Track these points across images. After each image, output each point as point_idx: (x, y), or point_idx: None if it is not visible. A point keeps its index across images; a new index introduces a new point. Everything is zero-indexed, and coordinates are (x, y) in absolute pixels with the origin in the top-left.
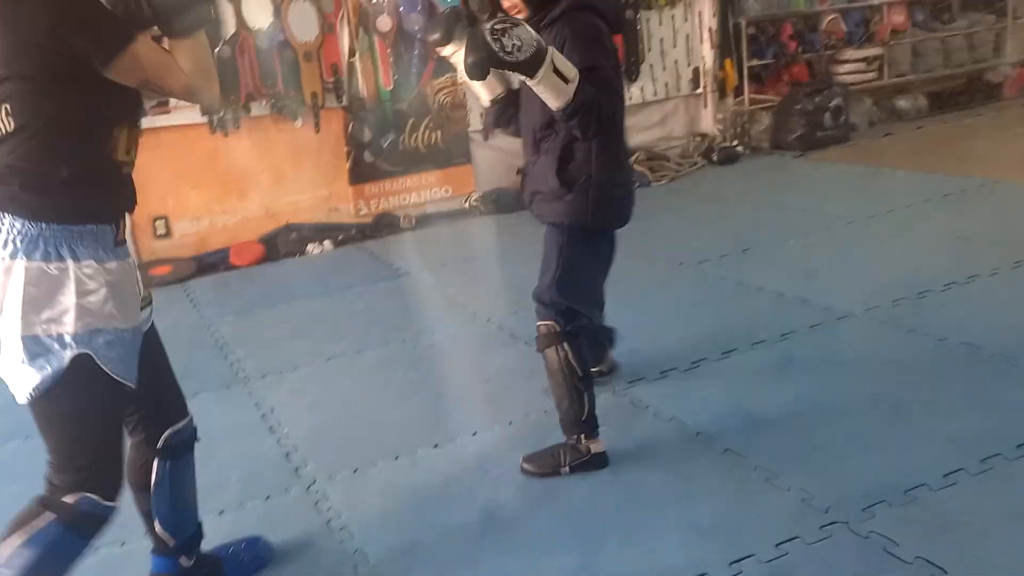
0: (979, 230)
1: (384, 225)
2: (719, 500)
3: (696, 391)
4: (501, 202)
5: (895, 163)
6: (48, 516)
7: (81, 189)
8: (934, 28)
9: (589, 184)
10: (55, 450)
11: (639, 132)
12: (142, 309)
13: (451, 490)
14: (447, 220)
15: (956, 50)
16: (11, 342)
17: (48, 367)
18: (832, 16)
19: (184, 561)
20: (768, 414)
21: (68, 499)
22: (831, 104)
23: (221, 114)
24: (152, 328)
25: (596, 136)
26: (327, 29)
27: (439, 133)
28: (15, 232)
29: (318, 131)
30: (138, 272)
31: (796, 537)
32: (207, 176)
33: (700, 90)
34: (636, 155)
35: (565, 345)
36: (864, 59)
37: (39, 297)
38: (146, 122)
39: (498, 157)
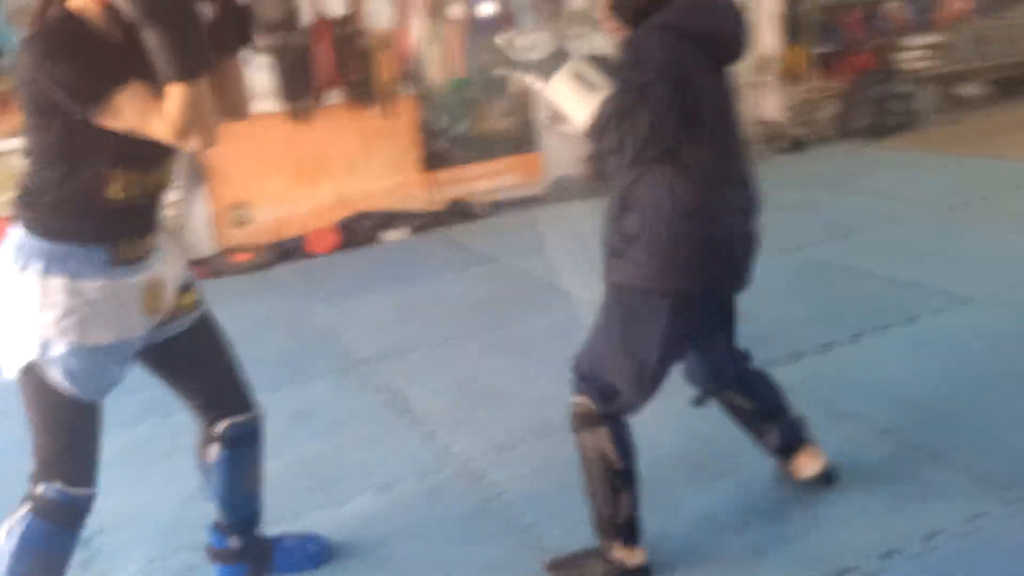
0: None
1: (458, 212)
2: (893, 480)
3: (836, 374)
4: (571, 189)
5: (971, 150)
6: (25, 507)
7: (61, 215)
8: (997, 15)
9: (651, 234)
10: (32, 439)
11: None
12: (177, 317)
13: None
14: (518, 207)
15: (1020, 37)
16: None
17: (10, 363)
18: (896, 3)
19: (234, 542)
20: (916, 395)
21: (38, 489)
22: (898, 91)
23: (299, 103)
24: (201, 326)
25: (636, 161)
26: (402, 17)
27: (510, 120)
28: (14, 239)
29: (391, 119)
30: (153, 288)
31: (984, 513)
32: (284, 163)
33: (765, 77)
34: None
35: (602, 431)
36: (927, 46)
37: (11, 302)
38: None
39: (567, 145)
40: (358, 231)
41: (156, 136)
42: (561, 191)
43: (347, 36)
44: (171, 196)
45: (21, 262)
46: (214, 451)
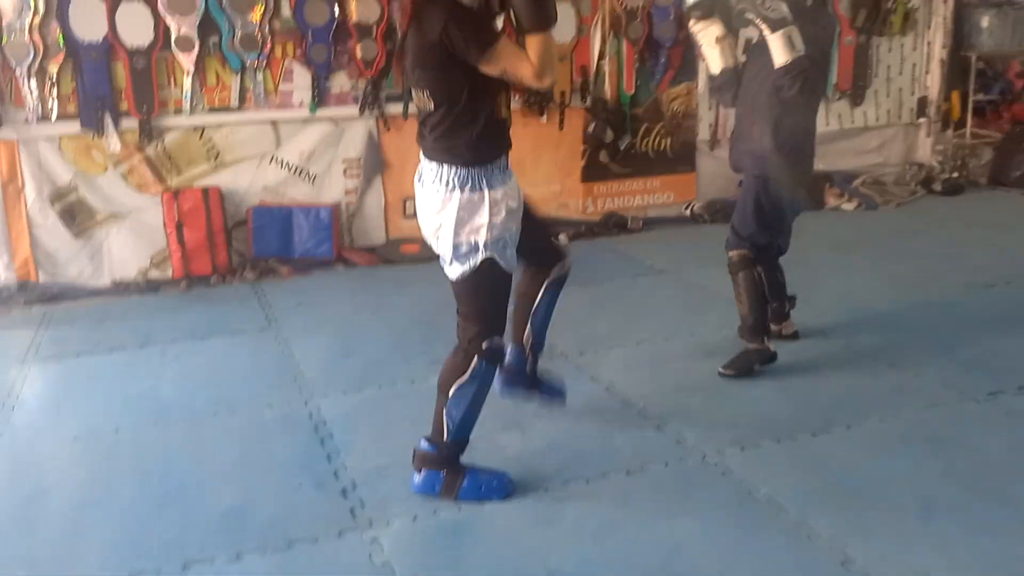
0: None
1: (613, 224)
2: None
3: None
4: (723, 211)
5: None
6: (476, 359)
7: (484, 140)
8: None
9: (795, 150)
10: (472, 314)
11: (856, 155)
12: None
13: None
14: (669, 224)
15: None
16: (446, 245)
17: (468, 264)
18: None
19: (528, 368)
20: None
21: (485, 344)
22: None
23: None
24: (526, 201)
25: (799, 96)
26: (582, 31)
27: (669, 140)
28: (451, 174)
29: (562, 128)
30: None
31: None
32: None
33: (923, 120)
34: (862, 178)
35: (758, 268)
36: None
37: (465, 217)
38: (411, 107)
39: (721, 168)
40: None
41: (521, 75)
42: (714, 212)
43: None
44: (348, 184)
45: (463, 185)
46: (541, 291)
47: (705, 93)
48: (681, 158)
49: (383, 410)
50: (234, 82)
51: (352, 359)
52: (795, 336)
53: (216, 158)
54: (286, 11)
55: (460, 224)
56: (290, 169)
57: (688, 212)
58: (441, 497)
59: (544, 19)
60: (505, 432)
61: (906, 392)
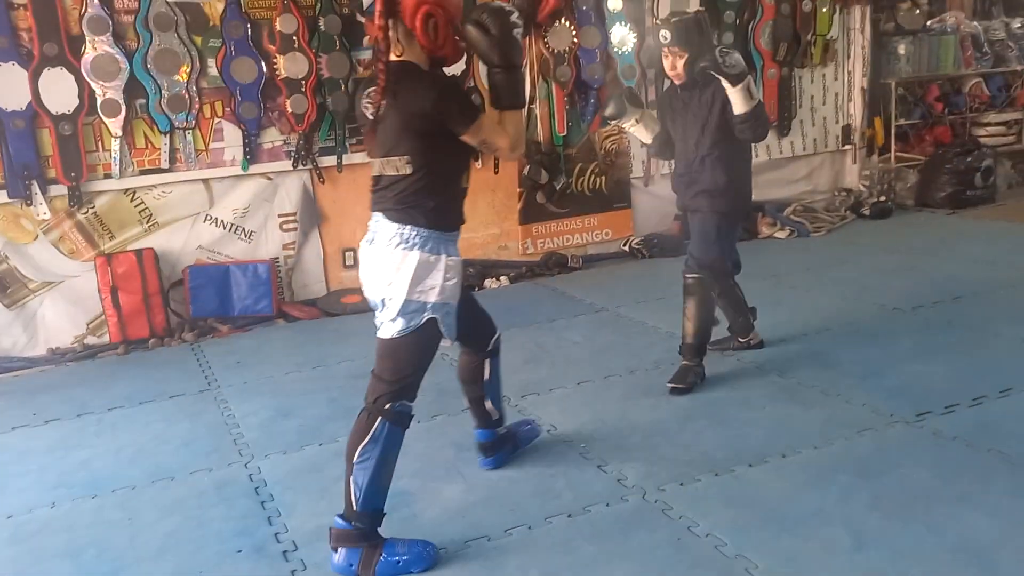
0: None
1: (554, 264)
2: None
3: (996, 424)
4: (660, 246)
5: None
6: (380, 420)
7: (449, 207)
8: None
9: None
10: (390, 371)
11: (786, 185)
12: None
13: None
14: (608, 261)
15: None
16: (396, 303)
17: (412, 321)
18: (976, 80)
19: (501, 430)
20: None
21: (389, 405)
22: (982, 165)
23: None
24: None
25: (757, 139)
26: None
27: (603, 178)
28: (413, 234)
29: (497, 172)
30: None
31: None
32: None
33: (848, 146)
34: (793, 207)
35: (713, 292)
36: (1004, 123)
37: (421, 276)
38: (345, 158)
39: (656, 203)
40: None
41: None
42: (652, 247)
43: None
44: (285, 239)
45: (424, 246)
46: (487, 365)
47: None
48: (617, 195)
49: (324, 468)
50: (163, 143)
51: (292, 417)
52: (761, 345)
53: (149, 220)
54: (212, 70)
55: (415, 282)
56: (225, 227)
57: (626, 248)
58: (361, 573)
59: (521, 98)
60: (448, 484)
61: (837, 420)
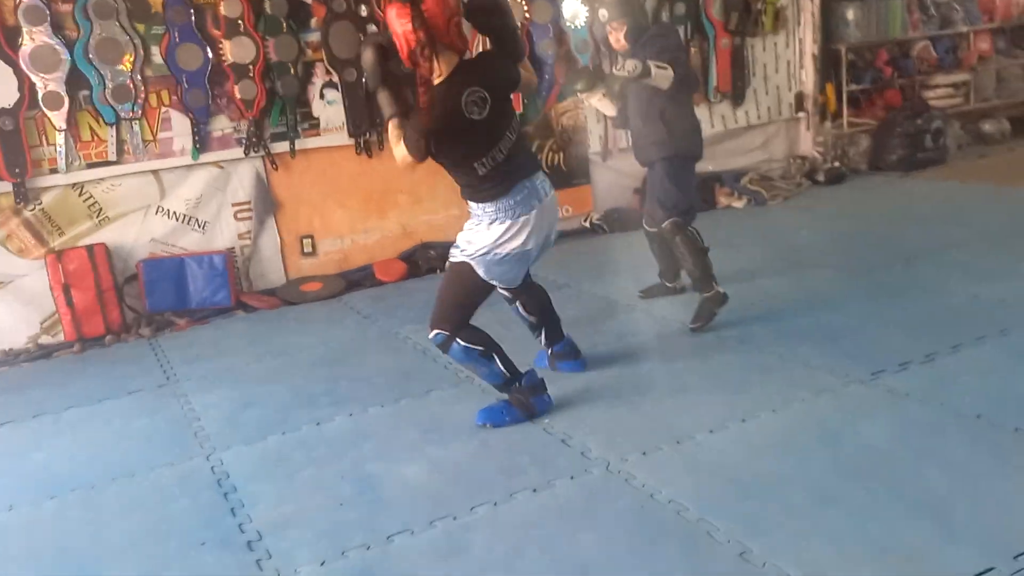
0: None
1: None
2: None
3: (949, 379)
4: (621, 221)
5: (1006, 182)
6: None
7: (489, 188)
8: (1016, 55)
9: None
10: (439, 299)
11: (742, 154)
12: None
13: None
14: (569, 238)
15: None
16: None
17: (455, 259)
18: (923, 43)
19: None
20: None
21: (430, 333)
22: (932, 127)
23: (367, 136)
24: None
25: (692, 91)
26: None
27: (562, 155)
28: (482, 210)
29: None
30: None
31: None
32: (351, 196)
33: (802, 114)
34: (749, 176)
35: (689, 231)
36: (952, 84)
37: (476, 231)
38: (298, 144)
39: (616, 178)
40: (422, 261)
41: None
42: (612, 222)
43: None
44: (241, 228)
45: (490, 217)
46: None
47: (591, 108)
48: (575, 172)
49: (287, 456)
50: (110, 135)
51: (254, 407)
52: (722, 298)
53: (99, 214)
54: (157, 58)
55: (470, 234)
56: (178, 218)
57: (587, 224)
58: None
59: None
60: (412, 464)
61: (795, 383)
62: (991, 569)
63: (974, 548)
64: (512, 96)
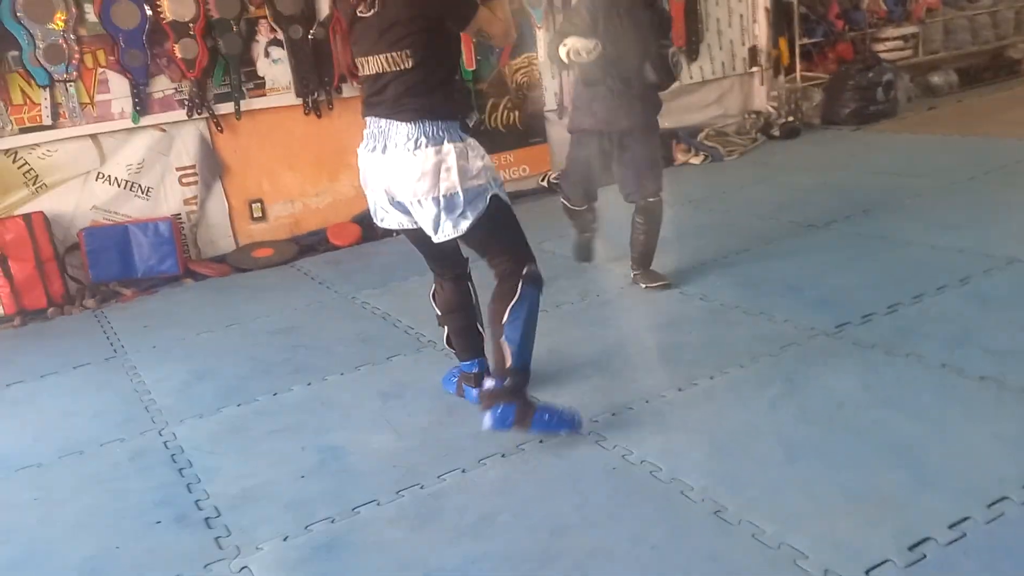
0: None
1: None
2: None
3: (913, 329)
4: None
5: (956, 131)
6: (522, 283)
7: (458, 96)
8: (963, 7)
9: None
10: (501, 249)
11: (698, 110)
12: None
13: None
14: (527, 197)
15: (982, 28)
16: (455, 198)
17: (479, 208)
18: None
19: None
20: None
21: (525, 270)
22: (883, 80)
23: (315, 96)
24: None
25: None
26: None
27: (517, 113)
28: (436, 128)
29: None
30: None
31: None
32: (301, 158)
33: (755, 68)
34: (705, 131)
35: (661, 202)
36: (902, 37)
37: (465, 165)
38: (243, 104)
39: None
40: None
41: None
42: None
43: None
44: (186, 193)
45: (452, 138)
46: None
47: (547, 62)
48: (531, 130)
49: (244, 428)
50: (44, 98)
51: (208, 379)
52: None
53: (35, 181)
54: (91, 16)
55: (463, 173)
56: (120, 184)
57: (545, 183)
58: (516, 427)
59: None
60: (376, 434)
61: (761, 337)
62: (967, 518)
63: (948, 495)
64: (443, 30)
